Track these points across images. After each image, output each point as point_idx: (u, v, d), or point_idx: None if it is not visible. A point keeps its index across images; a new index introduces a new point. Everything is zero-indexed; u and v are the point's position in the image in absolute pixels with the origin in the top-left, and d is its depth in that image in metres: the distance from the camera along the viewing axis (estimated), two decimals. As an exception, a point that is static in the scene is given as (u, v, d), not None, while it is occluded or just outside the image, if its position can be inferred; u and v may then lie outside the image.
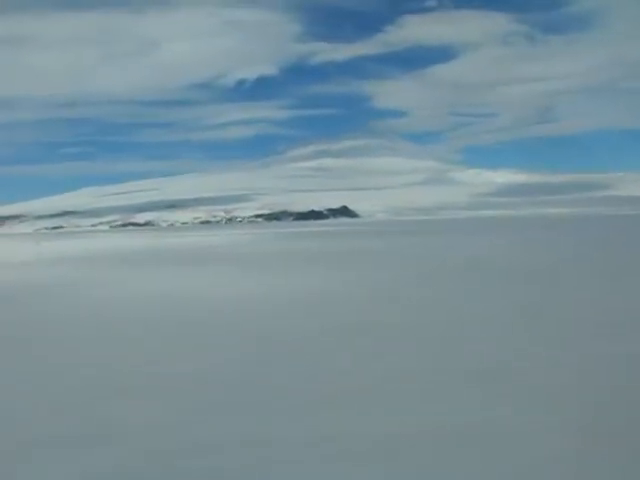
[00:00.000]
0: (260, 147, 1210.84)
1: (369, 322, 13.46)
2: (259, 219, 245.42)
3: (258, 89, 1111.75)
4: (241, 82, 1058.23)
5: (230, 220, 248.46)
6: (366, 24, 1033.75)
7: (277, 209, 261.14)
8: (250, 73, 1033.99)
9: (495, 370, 9.23)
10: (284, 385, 8.74)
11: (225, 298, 18.30)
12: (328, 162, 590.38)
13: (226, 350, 11.17)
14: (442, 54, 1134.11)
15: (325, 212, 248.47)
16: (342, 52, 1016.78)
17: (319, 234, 77.82)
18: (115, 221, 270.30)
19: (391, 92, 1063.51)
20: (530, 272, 23.09)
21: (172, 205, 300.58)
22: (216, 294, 19.34)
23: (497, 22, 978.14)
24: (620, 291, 17.35)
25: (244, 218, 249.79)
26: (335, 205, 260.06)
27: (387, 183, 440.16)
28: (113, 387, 8.96)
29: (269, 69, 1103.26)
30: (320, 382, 8.85)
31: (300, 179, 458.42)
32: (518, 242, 46.34)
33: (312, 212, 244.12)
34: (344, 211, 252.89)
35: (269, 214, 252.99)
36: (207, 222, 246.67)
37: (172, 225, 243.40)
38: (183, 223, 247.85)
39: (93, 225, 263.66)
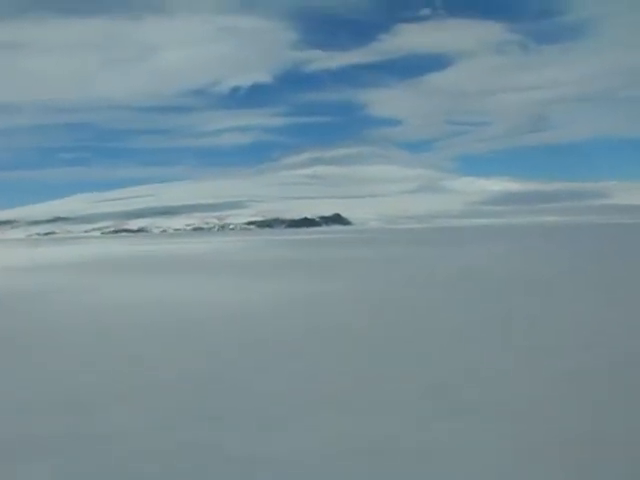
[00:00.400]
0: (255, 154, 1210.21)
1: (326, 333, 13.14)
2: (252, 226, 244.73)
3: (253, 96, 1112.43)
4: (236, 89, 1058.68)
5: (223, 227, 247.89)
6: (361, 32, 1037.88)
7: (270, 216, 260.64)
8: (245, 80, 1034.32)
9: (444, 386, 8.94)
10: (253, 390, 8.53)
11: (195, 305, 18.07)
12: (322, 170, 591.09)
13: (200, 356, 11.03)
14: (436, 63, 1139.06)
15: (318, 220, 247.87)
16: (337, 60, 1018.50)
17: (307, 242, 77.55)
18: (108, 227, 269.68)
19: (385, 100, 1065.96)
20: (514, 282, 22.78)
21: (166, 212, 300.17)
22: (193, 301, 19.08)
23: (491, 31, 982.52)
24: (602, 302, 17.03)
25: (237, 225, 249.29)
26: (328, 213, 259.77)
27: (381, 191, 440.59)
28: (110, 392, 8.93)
29: (264, 76, 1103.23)
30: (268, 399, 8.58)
31: (294, 186, 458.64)
32: (508, 251, 46.07)
33: (305, 219, 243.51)
34: (337, 219, 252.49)
35: (262, 221, 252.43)
36: (200, 229, 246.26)
37: (165, 231, 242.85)
38: (176, 230, 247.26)
39: (86, 231, 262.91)
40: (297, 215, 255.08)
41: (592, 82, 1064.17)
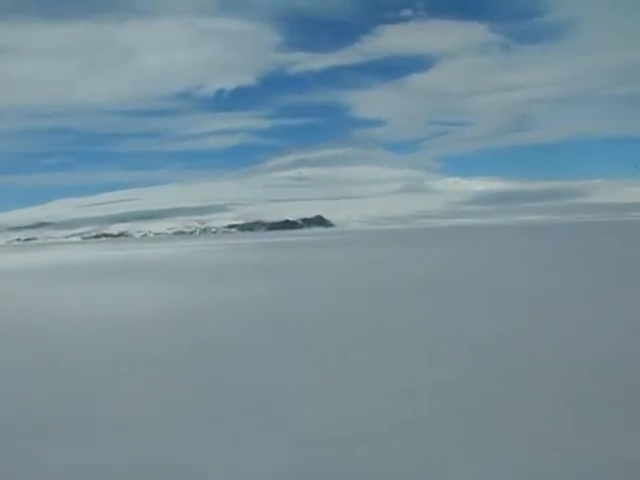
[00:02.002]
0: (240, 157, 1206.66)
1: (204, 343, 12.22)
2: (233, 229, 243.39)
3: (237, 99, 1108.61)
4: (220, 92, 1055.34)
5: (204, 231, 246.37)
6: (343, 34, 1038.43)
7: (252, 219, 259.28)
8: (229, 83, 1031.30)
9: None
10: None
11: (96, 314, 17.26)
12: (307, 171, 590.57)
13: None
14: (419, 63, 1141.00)
15: (299, 222, 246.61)
16: (320, 62, 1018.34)
17: (277, 245, 76.77)
18: (89, 232, 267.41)
19: (369, 101, 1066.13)
20: (433, 287, 21.85)
21: (148, 216, 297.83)
22: (105, 310, 18.51)
23: (473, 31, 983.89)
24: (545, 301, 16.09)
25: (218, 229, 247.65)
26: (310, 215, 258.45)
27: (364, 192, 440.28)
28: None
29: (248, 79, 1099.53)
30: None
31: (278, 189, 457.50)
32: (473, 252, 45.30)
33: (286, 222, 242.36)
34: (319, 221, 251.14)
35: (243, 224, 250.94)
36: (181, 233, 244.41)
37: (145, 236, 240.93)
38: (156, 234, 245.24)
39: (66, 237, 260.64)
40: (279, 217, 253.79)
41: (574, 82, 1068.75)
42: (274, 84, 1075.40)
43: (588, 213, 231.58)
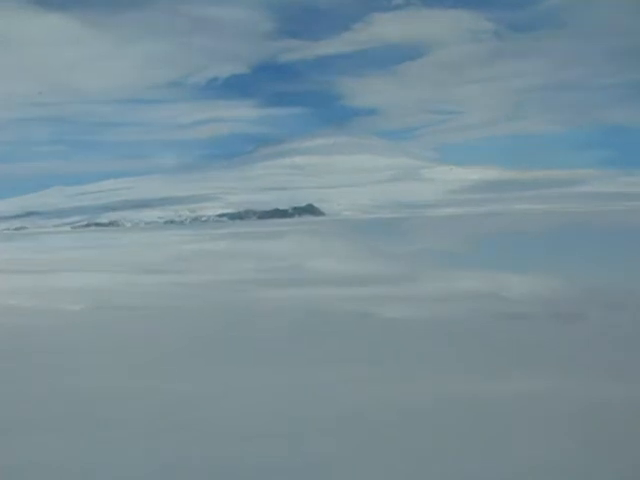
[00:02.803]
0: (232, 145, 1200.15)
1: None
2: (223, 218, 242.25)
3: (230, 87, 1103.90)
4: (213, 80, 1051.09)
5: (195, 219, 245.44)
6: (335, 22, 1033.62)
7: (243, 208, 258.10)
8: (221, 71, 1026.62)
9: None
10: None
11: None
12: (300, 160, 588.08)
13: None
14: (412, 52, 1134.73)
15: (290, 211, 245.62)
16: (313, 50, 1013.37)
17: (247, 235, 76.09)
18: (79, 221, 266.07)
19: (362, 90, 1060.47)
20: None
21: (140, 204, 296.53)
22: None
23: (465, 20, 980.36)
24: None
25: (209, 217, 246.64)
26: (302, 203, 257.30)
27: (358, 180, 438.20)
28: None
29: (240, 67, 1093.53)
30: None
31: (271, 177, 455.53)
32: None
33: (277, 211, 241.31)
34: (310, 209, 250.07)
35: (233, 213, 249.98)
36: (171, 222, 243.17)
37: (136, 225, 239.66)
38: (147, 223, 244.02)
39: (56, 226, 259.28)
40: (270, 206, 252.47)
41: (567, 71, 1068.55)
42: (267, 72, 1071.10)
43: (581, 202, 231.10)
